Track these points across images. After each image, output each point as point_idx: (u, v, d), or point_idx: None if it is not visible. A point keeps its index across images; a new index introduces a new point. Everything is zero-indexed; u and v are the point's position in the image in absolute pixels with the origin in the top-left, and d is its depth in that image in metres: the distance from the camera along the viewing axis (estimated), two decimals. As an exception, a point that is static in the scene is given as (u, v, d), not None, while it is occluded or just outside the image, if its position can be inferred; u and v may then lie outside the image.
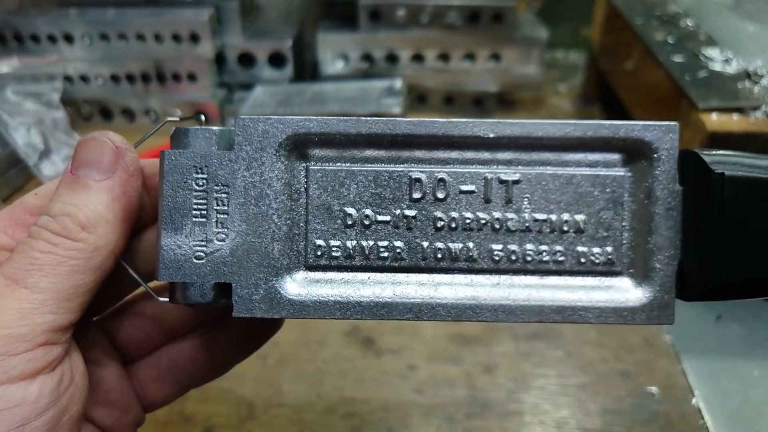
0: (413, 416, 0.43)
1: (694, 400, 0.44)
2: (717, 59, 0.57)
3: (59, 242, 0.21)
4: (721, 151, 0.21)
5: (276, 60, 0.77)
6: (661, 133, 0.22)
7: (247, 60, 0.78)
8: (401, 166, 0.22)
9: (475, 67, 0.78)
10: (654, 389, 0.44)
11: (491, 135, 0.22)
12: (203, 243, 0.22)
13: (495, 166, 0.22)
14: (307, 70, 0.85)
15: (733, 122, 0.49)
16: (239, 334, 0.27)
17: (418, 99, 0.80)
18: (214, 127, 0.22)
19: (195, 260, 0.22)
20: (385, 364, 0.46)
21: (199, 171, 0.22)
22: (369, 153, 0.22)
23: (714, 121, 0.49)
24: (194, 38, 0.72)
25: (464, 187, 0.22)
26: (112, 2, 0.74)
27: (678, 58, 0.57)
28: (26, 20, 0.74)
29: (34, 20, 0.73)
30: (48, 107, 0.71)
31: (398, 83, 0.73)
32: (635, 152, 0.22)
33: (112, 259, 0.22)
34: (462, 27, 0.76)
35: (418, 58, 0.78)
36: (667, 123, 0.22)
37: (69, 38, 0.74)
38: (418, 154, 0.22)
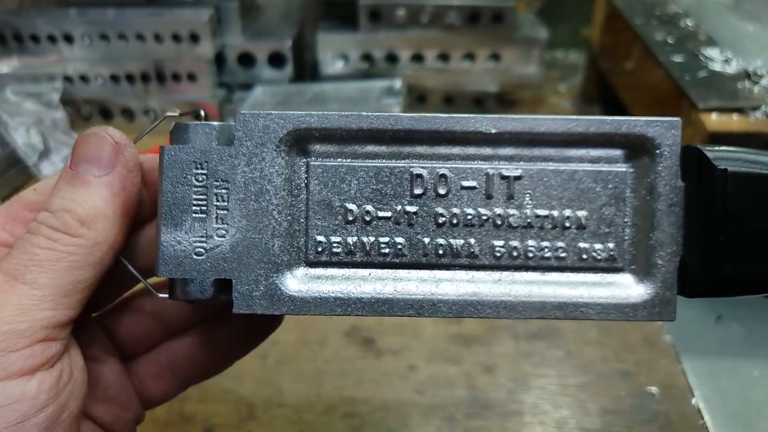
0: (413, 416, 0.43)
1: (694, 400, 0.44)
2: (717, 59, 0.57)
3: (58, 238, 0.21)
4: (723, 147, 0.21)
5: (276, 60, 0.77)
6: (663, 129, 0.21)
7: (247, 60, 0.78)
8: (402, 161, 0.22)
9: (475, 67, 0.78)
10: (654, 389, 0.44)
11: (493, 130, 0.21)
12: (203, 239, 0.21)
13: (497, 162, 0.22)
14: (307, 70, 0.85)
15: (733, 122, 0.49)
16: (239, 331, 0.27)
17: (418, 99, 0.80)
18: (214, 123, 0.22)
19: (195, 256, 0.21)
20: (385, 364, 0.46)
21: (199, 167, 0.21)
22: (370, 148, 0.22)
23: (714, 121, 0.49)
24: (194, 38, 0.72)
25: (466, 183, 0.22)
26: (112, 2, 0.74)
27: (678, 58, 0.57)
28: (26, 20, 0.74)
29: (34, 20, 0.73)
30: (48, 107, 0.71)
31: (398, 83, 0.73)
32: (637, 148, 0.22)
33: (112, 254, 0.22)
34: (462, 27, 0.76)
35: (418, 58, 0.78)
36: (669, 119, 0.21)
37: (69, 38, 0.74)
38: (420, 149, 0.22)
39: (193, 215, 0.21)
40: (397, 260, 0.22)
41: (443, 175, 0.22)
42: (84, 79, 0.76)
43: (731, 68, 0.55)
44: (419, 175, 0.22)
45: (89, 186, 0.22)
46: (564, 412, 0.43)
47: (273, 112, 0.21)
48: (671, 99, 0.55)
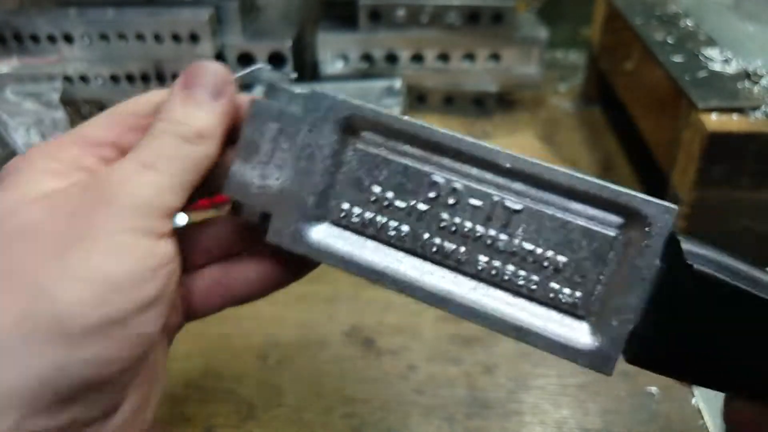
0: (413, 416, 0.43)
1: (693, 400, 0.44)
2: (717, 59, 0.57)
3: (181, 144, 0.25)
4: (707, 247, 0.23)
5: (276, 60, 0.77)
6: (659, 211, 0.23)
7: (246, 60, 0.78)
8: (427, 166, 0.25)
9: (474, 67, 0.78)
10: (654, 389, 0.44)
11: (508, 165, 0.24)
12: (261, 178, 0.26)
13: (505, 192, 0.24)
14: (307, 70, 0.85)
15: (733, 122, 0.49)
16: (286, 263, 0.29)
17: (417, 99, 0.80)
18: (299, 91, 0.26)
19: (252, 188, 0.26)
20: (385, 364, 0.47)
21: (274, 122, 0.26)
22: (406, 148, 0.25)
23: (714, 121, 0.49)
24: (194, 38, 0.72)
25: (473, 201, 0.25)
26: (112, 2, 0.74)
27: (678, 58, 0.57)
28: (26, 20, 0.74)
29: (34, 20, 0.73)
30: (48, 107, 0.71)
31: (398, 83, 0.73)
32: (631, 220, 0.23)
33: (211, 168, 0.26)
34: (462, 27, 0.76)
35: (417, 58, 0.78)
36: (667, 204, 0.23)
37: (69, 38, 0.74)
38: (444, 161, 0.25)
39: (259, 158, 0.26)
40: (399, 244, 0.25)
41: (455, 189, 0.25)
42: (84, 79, 0.76)
43: (731, 68, 0.55)
44: (436, 183, 0.25)
45: (202, 107, 0.26)
46: (564, 412, 0.43)
47: (339, 96, 0.25)
48: (671, 99, 0.55)
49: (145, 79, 0.75)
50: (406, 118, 0.25)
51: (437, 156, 0.25)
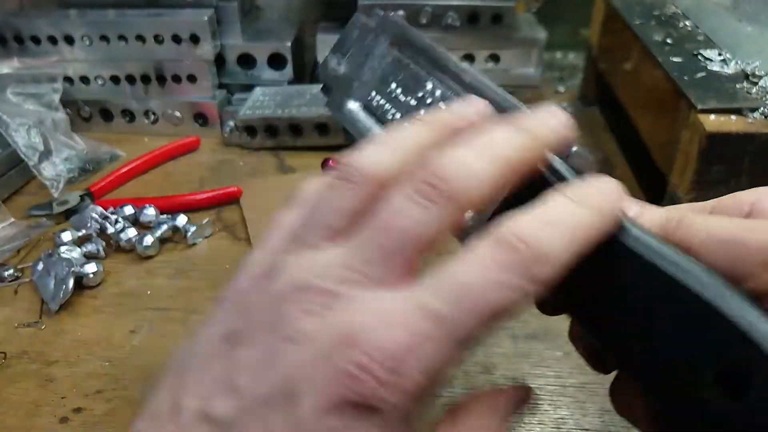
0: (412, 416, 0.43)
1: (692, 400, 0.44)
2: (715, 60, 0.57)
3: None
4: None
5: (276, 61, 0.78)
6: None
7: (246, 61, 0.78)
8: (427, 75, 0.33)
9: (474, 67, 0.78)
10: (652, 389, 0.45)
11: (468, 81, 0.31)
12: (336, 65, 0.36)
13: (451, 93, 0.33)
14: (306, 71, 0.85)
15: (732, 123, 0.49)
16: None
17: (417, 100, 0.80)
18: (382, 13, 0.35)
19: (328, 71, 0.36)
20: (384, 364, 0.47)
21: (357, 30, 0.36)
22: (421, 60, 0.33)
23: (712, 121, 0.49)
24: (194, 39, 0.72)
25: (437, 94, 0.33)
26: (112, 4, 0.74)
27: (676, 59, 0.57)
28: (27, 21, 0.74)
29: (35, 21, 0.74)
30: (48, 108, 0.71)
31: (398, 84, 0.74)
32: None
33: None
34: (461, 27, 0.76)
35: (417, 58, 0.78)
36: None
37: (69, 39, 0.74)
38: (439, 74, 0.33)
39: (341, 51, 0.36)
40: (387, 119, 0.34)
41: (435, 93, 0.33)
42: (84, 80, 0.76)
43: (729, 69, 0.55)
44: (426, 87, 0.33)
45: None
46: (563, 412, 0.43)
47: (401, 20, 0.34)
48: (670, 100, 0.55)
49: (145, 80, 0.76)
50: (428, 40, 0.33)
51: (436, 70, 0.33)
